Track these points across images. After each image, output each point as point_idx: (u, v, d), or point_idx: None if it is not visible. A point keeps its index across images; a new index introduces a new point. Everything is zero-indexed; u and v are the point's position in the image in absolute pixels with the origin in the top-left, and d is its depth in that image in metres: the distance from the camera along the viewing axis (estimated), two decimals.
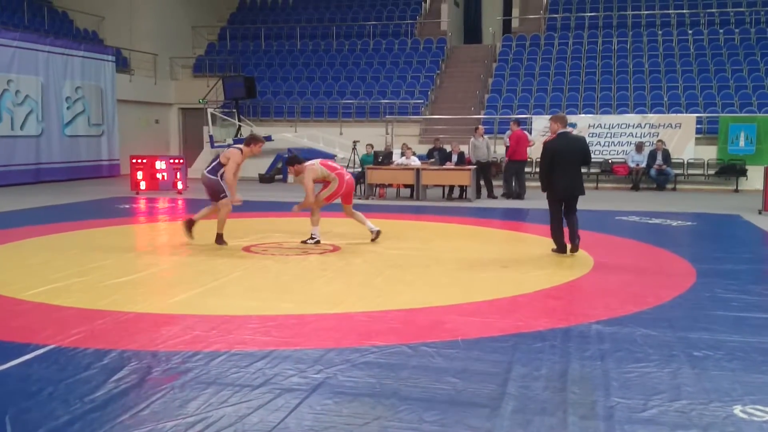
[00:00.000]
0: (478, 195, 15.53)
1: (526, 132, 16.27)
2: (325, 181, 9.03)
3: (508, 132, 16.03)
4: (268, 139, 20.49)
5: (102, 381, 4.07)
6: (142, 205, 14.01)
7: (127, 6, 23.61)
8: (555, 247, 8.46)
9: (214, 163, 8.92)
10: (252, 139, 8.96)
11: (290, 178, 19.64)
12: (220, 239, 8.83)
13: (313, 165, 9.02)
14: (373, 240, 9.20)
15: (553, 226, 8.40)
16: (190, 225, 8.91)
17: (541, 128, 18.44)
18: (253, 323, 5.31)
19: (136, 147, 20.91)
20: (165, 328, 5.17)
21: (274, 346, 4.74)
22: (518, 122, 15.98)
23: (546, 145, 8.30)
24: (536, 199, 14.91)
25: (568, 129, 8.55)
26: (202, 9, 26.36)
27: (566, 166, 8.18)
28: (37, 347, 4.67)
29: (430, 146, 17.11)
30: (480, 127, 16.20)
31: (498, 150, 17.18)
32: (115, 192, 16.26)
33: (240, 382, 4.08)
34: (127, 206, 13.57)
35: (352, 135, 19.42)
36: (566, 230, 8.38)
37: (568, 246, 8.37)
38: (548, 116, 18.74)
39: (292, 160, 9.22)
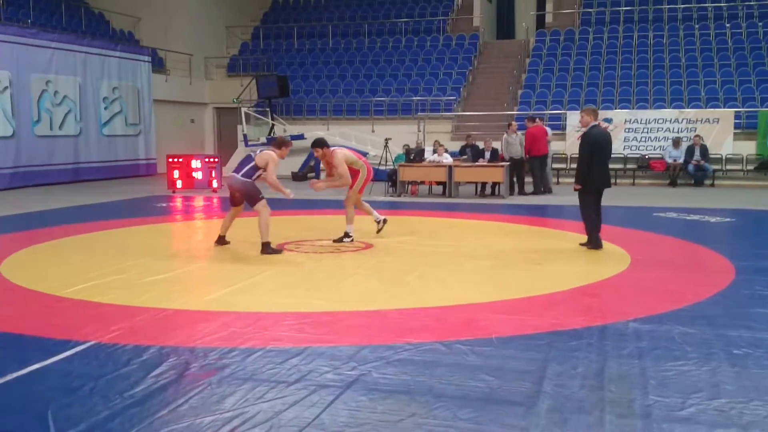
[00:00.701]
0: (512, 192, 15.43)
1: (545, 126, 16.16)
2: (352, 169, 8.94)
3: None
4: (301, 137, 20.66)
5: (141, 377, 4.14)
6: (178, 203, 14.19)
7: (163, 7, 23.91)
8: (588, 242, 8.38)
9: (248, 167, 8.24)
10: (283, 143, 8.53)
11: (323, 175, 19.84)
12: (268, 248, 8.18)
13: (343, 150, 8.99)
14: (378, 231, 9.32)
15: (593, 220, 8.31)
16: (222, 241, 8.66)
17: (576, 124, 18.23)
18: (288, 320, 5.35)
19: (172, 146, 21.19)
20: (202, 324, 5.23)
21: (308, 343, 4.77)
22: (533, 118, 15.96)
23: (587, 137, 8.21)
24: (569, 195, 14.79)
25: (604, 124, 8.49)
26: (236, 9, 26.60)
27: (604, 158, 8.25)
28: (78, 343, 4.76)
29: (463, 143, 17.05)
30: (513, 123, 16.08)
31: None
32: (151, 191, 16.50)
33: (275, 378, 4.12)
34: (163, 205, 13.76)
35: (384, 132, 19.42)
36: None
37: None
38: None
39: (318, 141, 8.84)
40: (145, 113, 21.64)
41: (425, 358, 4.48)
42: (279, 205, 12.82)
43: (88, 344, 4.76)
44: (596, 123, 8.33)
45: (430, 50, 23.70)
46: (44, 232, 9.94)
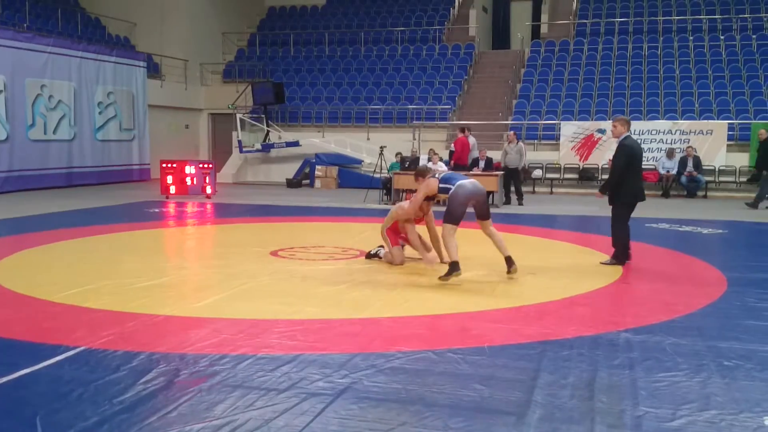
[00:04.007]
0: (507, 201, 15.43)
1: (470, 138, 16.52)
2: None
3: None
4: (296, 144, 20.70)
5: (131, 383, 4.12)
6: (171, 209, 14.15)
7: (159, 12, 23.92)
8: (614, 259, 8.08)
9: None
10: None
11: (317, 182, 19.87)
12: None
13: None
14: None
15: (624, 234, 8.05)
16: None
17: (569, 134, 18.31)
18: (280, 327, 5.33)
19: (167, 152, 21.17)
20: (193, 331, 5.21)
21: (300, 351, 4.75)
22: (462, 129, 16.42)
23: (623, 147, 7.91)
24: (563, 204, 14.80)
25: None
26: (232, 15, 26.61)
27: (638, 169, 8.02)
28: (68, 349, 4.74)
29: None
30: (511, 133, 16.12)
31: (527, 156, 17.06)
32: (145, 196, 16.45)
33: (266, 385, 4.11)
34: (156, 210, 13.72)
35: (379, 140, 19.45)
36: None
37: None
38: (576, 122, 18.70)
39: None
40: (139, 118, 21.61)
41: (417, 366, 4.48)
42: (273, 212, 12.80)
43: (78, 350, 4.73)
44: (628, 134, 8.05)
45: (426, 59, 23.76)
46: (36, 237, 9.90)
